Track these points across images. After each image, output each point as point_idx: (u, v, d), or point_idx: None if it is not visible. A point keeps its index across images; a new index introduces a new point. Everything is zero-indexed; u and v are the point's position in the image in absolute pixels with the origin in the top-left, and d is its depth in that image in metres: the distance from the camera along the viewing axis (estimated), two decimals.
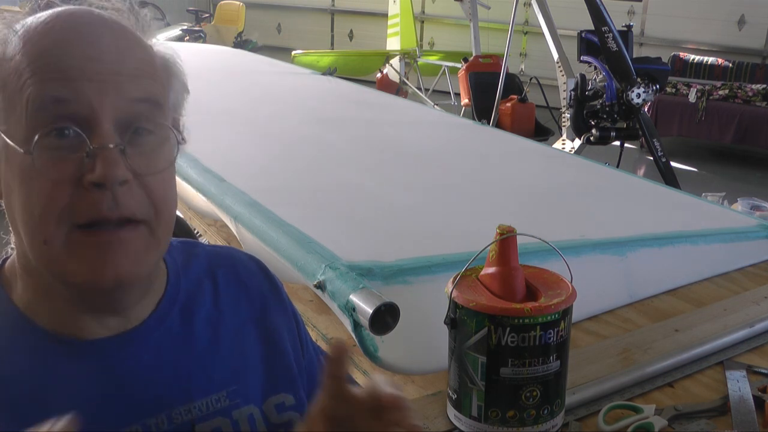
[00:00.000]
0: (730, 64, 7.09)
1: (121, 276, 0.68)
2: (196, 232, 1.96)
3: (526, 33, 8.60)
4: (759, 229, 1.70)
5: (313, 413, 0.66)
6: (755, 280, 1.51)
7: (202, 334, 0.81)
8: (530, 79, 5.70)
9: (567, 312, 0.92)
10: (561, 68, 4.69)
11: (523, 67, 8.63)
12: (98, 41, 0.68)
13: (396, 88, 7.01)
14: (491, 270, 0.95)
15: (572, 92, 4.30)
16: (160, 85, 0.73)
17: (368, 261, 1.17)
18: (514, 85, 5.57)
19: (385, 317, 1.00)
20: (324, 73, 3.65)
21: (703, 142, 6.90)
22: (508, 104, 5.22)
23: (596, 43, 4.04)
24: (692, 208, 1.89)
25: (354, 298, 1.04)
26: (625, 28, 4.18)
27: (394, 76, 7.38)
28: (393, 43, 7.68)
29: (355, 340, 1.07)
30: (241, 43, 8.70)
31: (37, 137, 0.64)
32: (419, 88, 7.23)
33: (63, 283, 0.69)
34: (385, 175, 1.92)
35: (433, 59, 7.69)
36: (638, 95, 3.94)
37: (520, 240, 0.95)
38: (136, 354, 0.75)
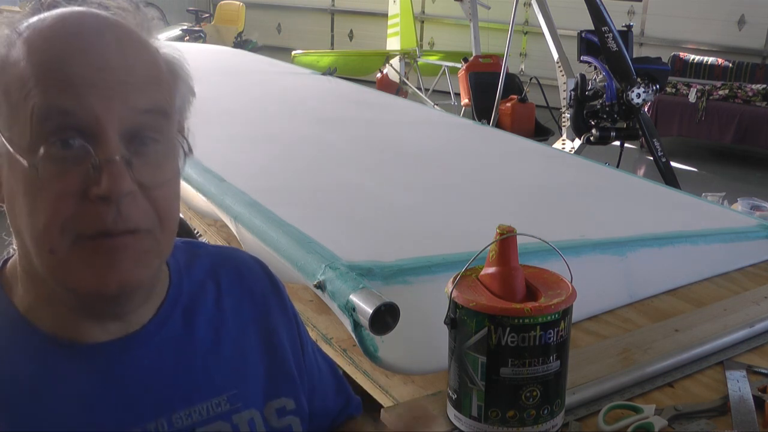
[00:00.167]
0: (730, 64, 7.09)
1: (125, 282, 0.68)
2: (196, 232, 1.96)
3: (526, 33, 8.60)
4: (759, 229, 1.70)
5: None
6: (755, 280, 1.51)
7: (204, 337, 0.81)
8: (530, 79, 5.70)
9: (567, 312, 0.92)
10: (561, 68, 4.69)
11: (523, 67, 8.63)
12: (104, 49, 0.67)
13: (396, 88, 7.01)
14: (491, 270, 0.96)
15: (572, 92, 4.30)
16: (167, 92, 0.72)
17: (368, 261, 1.17)
18: (514, 85, 5.57)
19: (385, 317, 1.00)
20: (324, 73, 3.65)
21: (703, 142, 6.90)
22: (508, 104, 5.22)
23: (596, 43, 4.04)
24: (692, 208, 1.89)
25: (354, 298, 1.04)
26: (625, 28, 4.18)
27: (394, 76, 7.38)
28: (393, 43, 7.68)
29: (355, 340, 1.07)
30: (241, 43, 8.70)
31: (42, 150, 0.64)
32: (419, 88, 7.23)
33: (67, 290, 0.69)
34: (385, 175, 1.92)
35: (433, 59, 7.69)
36: (638, 95, 3.94)
37: (520, 240, 0.95)
38: (137, 358, 0.75)
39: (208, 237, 1.88)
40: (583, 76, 4.24)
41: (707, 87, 6.73)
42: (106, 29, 0.69)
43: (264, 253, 1.29)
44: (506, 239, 0.94)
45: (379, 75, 7.37)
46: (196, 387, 0.78)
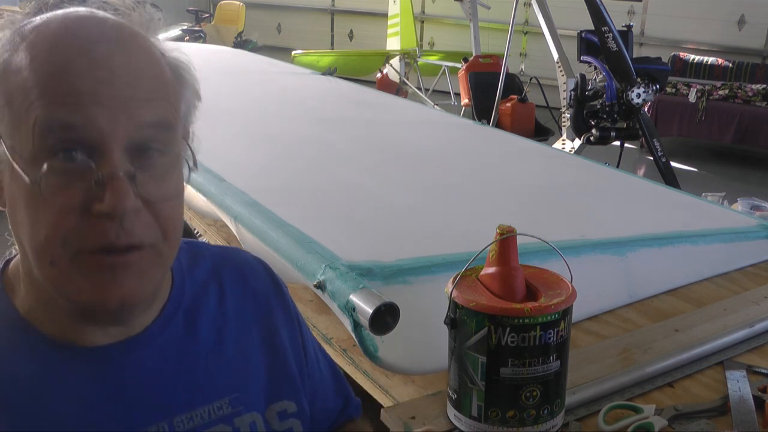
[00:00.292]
0: (730, 64, 7.09)
1: (127, 298, 0.67)
2: (196, 232, 1.96)
3: (526, 33, 8.60)
4: (759, 229, 1.70)
5: None
6: (755, 280, 1.51)
7: (207, 339, 0.80)
8: (530, 79, 5.70)
9: (567, 312, 0.92)
10: (561, 68, 4.69)
11: (523, 67, 8.63)
12: (110, 61, 0.65)
13: (396, 88, 7.01)
14: (491, 270, 0.95)
15: (572, 92, 4.30)
16: (173, 103, 0.70)
17: (368, 261, 1.17)
18: (514, 85, 5.57)
19: (385, 317, 1.00)
20: (324, 73, 3.65)
21: (703, 142, 6.90)
22: (508, 104, 5.22)
23: (596, 43, 4.04)
24: (692, 208, 1.89)
25: (354, 298, 1.04)
26: (625, 28, 4.18)
27: (394, 76, 7.38)
28: (393, 43, 7.68)
29: (355, 340, 1.07)
30: (241, 43, 8.70)
31: (44, 167, 0.63)
32: (419, 88, 7.23)
33: (68, 301, 0.68)
34: (385, 175, 1.92)
35: (433, 59, 7.69)
36: (638, 95, 3.94)
37: (520, 240, 0.95)
38: (138, 360, 0.74)
39: (208, 237, 1.88)
40: (583, 76, 4.24)
41: (707, 87, 6.73)
42: (111, 36, 0.67)
43: (264, 253, 1.29)
44: (506, 239, 0.94)
45: (379, 75, 7.38)
46: (198, 390, 0.77)
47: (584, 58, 4.29)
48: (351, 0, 9.92)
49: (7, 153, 0.65)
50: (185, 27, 8.56)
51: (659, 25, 7.91)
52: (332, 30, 10.24)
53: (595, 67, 4.22)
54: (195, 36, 8.24)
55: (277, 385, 0.84)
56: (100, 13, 0.70)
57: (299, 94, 3.17)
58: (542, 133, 5.28)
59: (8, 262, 0.77)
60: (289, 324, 0.89)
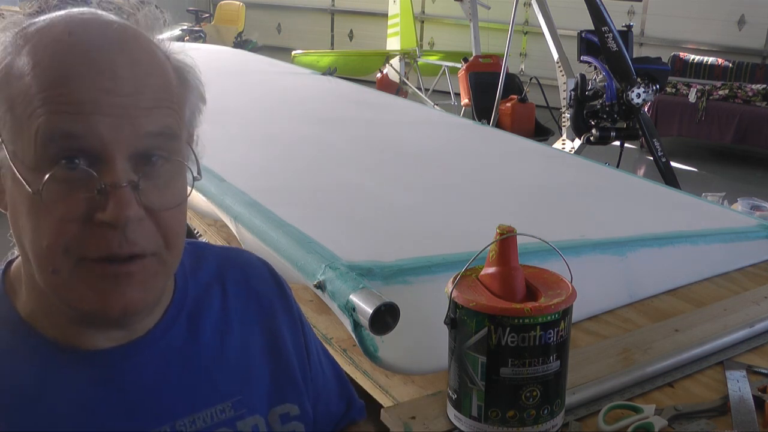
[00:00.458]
0: (730, 64, 7.09)
1: (129, 306, 0.67)
2: (196, 232, 1.96)
3: (526, 33, 8.60)
4: (759, 229, 1.70)
5: None
6: (755, 280, 1.51)
7: (209, 342, 0.80)
8: (530, 79, 5.70)
9: (567, 312, 0.92)
10: (561, 68, 4.69)
11: (523, 67, 8.63)
12: (114, 68, 0.64)
13: (396, 88, 7.01)
14: (491, 270, 0.95)
15: (572, 92, 4.30)
16: (177, 110, 0.70)
17: (368, 261, 1.17)
18: (514, 85, 5.57)
19: (385, 317, 1.00)
20: (324, 73, 3.65)
21: (703, 142, 6.90)
22: (508, 104, 5.22)
23: (596, 43, 4.04)
24: (692, 208, 1.89)
25: (354, 298, 1.04)
26: (625, 28, 4.18)
27: (394, 76, 7.38)
28: (393, 43, 7.68)
29: (355, 340, 1.06)
30: (241, 43, 8.70)
31: (47, 175, 0.62)
32: (419, 88, 7.23)
33: (70, 307, 0.68)
34: (385, 175, 1.92)
35: (433, 59, 7.69)
36: (638, 95, 3.94)
37: (520, 240, 0.95)
38: (140, 364, 0.74)
39: (208, 237, 1.88)
40: (583, 76, 4.24)
41: (707, 87, 6.73)
42: (115, 42, 0.66)
43: (264, 253, 1.29)
44: (506, 239, 0.94)
45: (379, 75, 7.38)
46: (200, 393, 0.77)
47: (584, 58, 4.29)
48: (351, 0, 9.92)
49: (9, 158, 0.65)
50: (185, 27, 8.56)
51: (659, 25, 7.91)
52: (332, 30, 10.24)
53: (595, 67, 4.23)
54: (195, 36, 8.24)
55: (280, 387, 0.84)
56: (104, 15, 0.69)
57: (299, 94, 3.17)
58: (542, 133, 5.28)
59: (10, 263, 0.76)
60: (292, 326, 0.89)
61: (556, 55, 4.73)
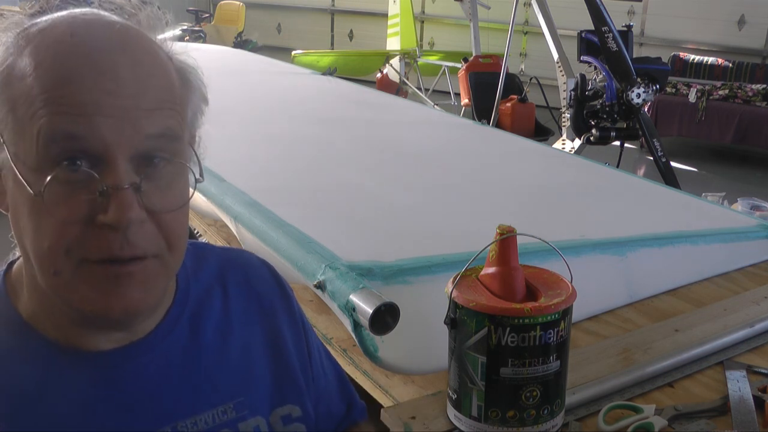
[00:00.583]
0: (730, 64, 7.09)
1: (131, 307, 0.67)
2: (196, 232, 1.96)
3: (526, 33, 8.60)
4: (759, 229, 1.70)
5: None
6: (755, 280, 1.51)
7: (211, 344, 0.79)
8: (530, 79, 5.70)
9: (567, 312, 0.92)
10: (561, 68, 4.69)
11: (523, 67, 8.63)
12: (115, 70, 0.63)
13: (396, 88, 7.01)
14: (491, 270, 0.95)
15: (572, 92, 4.30)
16: (179, 111, 0.70)
17: (368, 261, 1.17)
18: (514, 85, 5.57)
19: (385, 317, 1.00)
20: (324, 73, 3.65)
21: (703, 142, 6.90)
22: (508, 104, 5.22)
23: (596, 43, 4.04)
24: (692, 208, 1.89)
25: (354, 298, 1.04)
26: (625, 28, 4.18)
27: (394, 76, 7.39)
28: (393, 43, 7.68)
29: (355, 340, 1.06)
30: (241, 43, 8.70)
31: (48, 179, 0.62)
32: (419, 88, 7.23)
33: (71, 309, 0.68)
34: (385, 175, 1.92)
35: (433, 59, 7.69)
36: (638, 95, 3.94)
37: (520, 240, 0.95)
38: (141, 365, 0.74)
39: (208, 237, 1.88)
40: (583, 76, 4.24)
41: (707, 87, 6.73)
42: (117, 43, 0.66)
43: (264, 253, 1.29)
44: (506, 239, 0.94)
45: (379, 75, 7.38)
46: (201, 395, 0.77)
47: (584, 58, 4.29)
48: (351, 0, 9.92)
49: (11, 160, 0.64)
50: (185, 27, 8.56)
51: (659, 25, 7.91)
52: (332, 30, 10.24)
53: (595, 67, 4.23)
54: (195, 36, 8.24)
55: (281, 388, 0.84)
56: (107, 15, 0.68)
57: (299, 94, 3.17)
58: (542, 133, 5.29)
59: (11, 264, 0.76)
60: (293, 327, 0.88)
61: (556, 55, 4.73)
